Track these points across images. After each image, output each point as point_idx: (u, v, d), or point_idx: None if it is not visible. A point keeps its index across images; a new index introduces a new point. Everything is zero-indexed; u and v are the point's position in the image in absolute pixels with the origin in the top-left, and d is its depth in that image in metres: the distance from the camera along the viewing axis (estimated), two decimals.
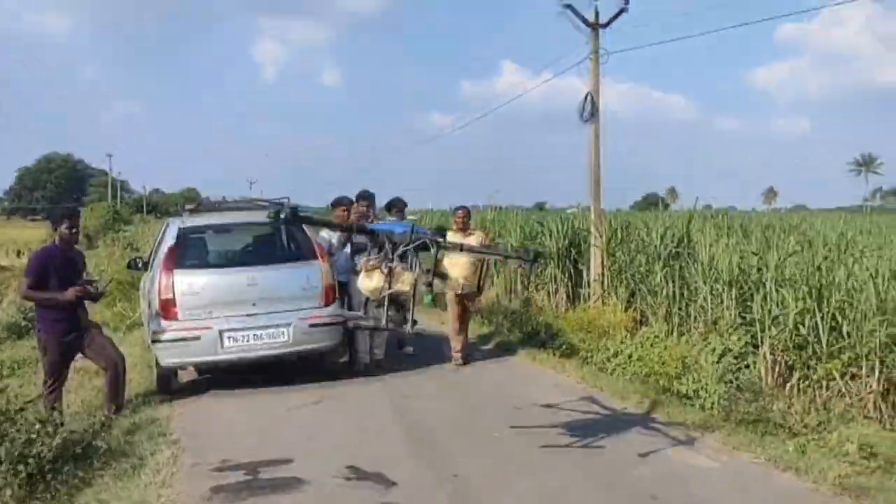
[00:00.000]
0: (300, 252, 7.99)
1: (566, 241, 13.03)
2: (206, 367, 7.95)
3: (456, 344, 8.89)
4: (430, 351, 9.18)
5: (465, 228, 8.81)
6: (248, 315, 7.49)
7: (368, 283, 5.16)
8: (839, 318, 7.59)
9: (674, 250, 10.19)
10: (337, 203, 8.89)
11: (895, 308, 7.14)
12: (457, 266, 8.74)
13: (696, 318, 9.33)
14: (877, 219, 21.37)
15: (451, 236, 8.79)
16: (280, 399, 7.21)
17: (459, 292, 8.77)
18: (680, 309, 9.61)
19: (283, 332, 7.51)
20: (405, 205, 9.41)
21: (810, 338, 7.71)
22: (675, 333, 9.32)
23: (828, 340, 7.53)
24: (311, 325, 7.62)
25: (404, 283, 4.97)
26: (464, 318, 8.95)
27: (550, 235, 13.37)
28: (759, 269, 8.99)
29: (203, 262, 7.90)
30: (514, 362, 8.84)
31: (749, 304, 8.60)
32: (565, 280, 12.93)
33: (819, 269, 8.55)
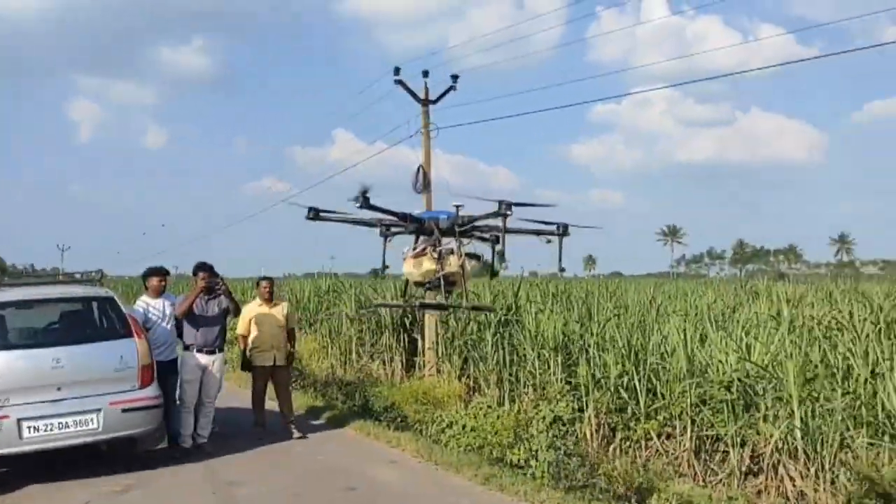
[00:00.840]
0: (113, 328, 7.34)
1: (401, 309, 13.04)
2: (2, 460, 7.02)
3: (259, 417, 8.71)
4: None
5: (270, 299, 8.72)
6: (52, 400, 6.72)
7: (419, 267, 5.24)
8: (654, 380, 8.10)
9: (503, 318, 10.49)
10: (154, 272, 8.29)
11: (703, 369, 7.73)
12: (265, 332, 8.53)
13: (525, 384, 9.58)
14: (682, 285, 23.35)
15: (257, 308, 8.64)
16: (84, 490, 6.47)
17: (269, 364, 8.54)
18: (510, 375, 9.84)
19: (92, 419, 6.80)
20: (212, 270, 8.61)
21: (630, 400, 8.14)
22: (506, 400, 9.52)
23: (645, 402, 7.98)
24: (125, 410, 6.96)
25: (452, 264, 5.14)
26: (280, 393, 8.66)
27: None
28: (581, 336, 9.45)
29: (0, 343, 7.05)
30: (347, 438, 8.56)
31: (574, 368, 8.99)
32: (400, 349, 12.90)
33: (642, 330, 9.11)
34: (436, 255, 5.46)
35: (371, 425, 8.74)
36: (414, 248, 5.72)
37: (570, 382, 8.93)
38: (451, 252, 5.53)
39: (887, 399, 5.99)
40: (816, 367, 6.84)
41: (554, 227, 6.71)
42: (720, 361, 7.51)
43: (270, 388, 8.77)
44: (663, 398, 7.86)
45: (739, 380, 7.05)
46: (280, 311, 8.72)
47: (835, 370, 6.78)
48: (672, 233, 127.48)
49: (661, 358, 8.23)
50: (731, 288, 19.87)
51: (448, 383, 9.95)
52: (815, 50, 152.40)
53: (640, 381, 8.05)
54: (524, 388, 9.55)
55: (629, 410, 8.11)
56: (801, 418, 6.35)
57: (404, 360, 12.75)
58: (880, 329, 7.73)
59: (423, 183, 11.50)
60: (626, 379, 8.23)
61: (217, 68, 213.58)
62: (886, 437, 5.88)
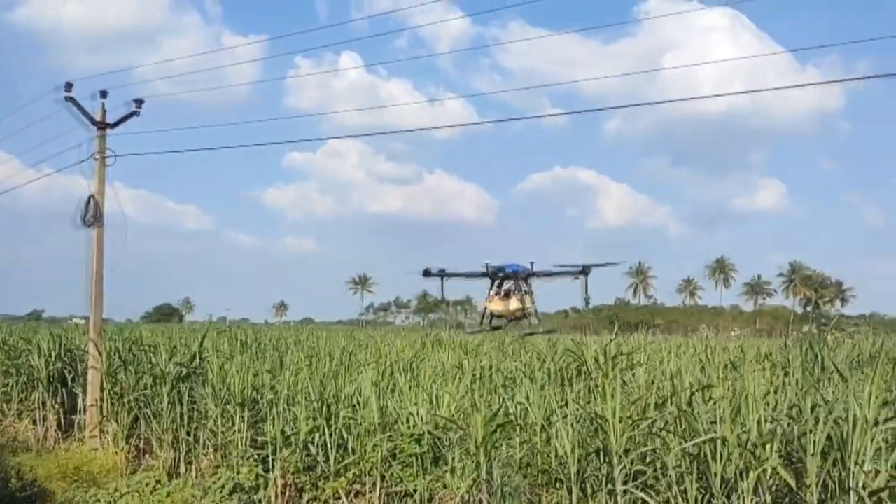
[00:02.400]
0: None
1: (58, 361, 11.29)
2: None
3: None
4: None
5: None
6: None
7: (508, 305, 6.46)
8: (346, 435, 7.77)
9: (184, 370, 9.46)
10: None
11: (394, 421, 7.59)
12: None
13: (206, 444, 8.67)
14: (372, 332, 23.81)
15: None
16: None
17: None
18: (188, 434, 8.85)
19: None
20: None
21: (319, 457, 7.71)
22: (182, 463, 8.51)
23: (335, 458, 7.61)
24: None
25: (528, 304, 6.33)
26: None
27: (39, 353, 11.41)
28: (273, 388, 8.84)
29: None
30: None
31: (262, 425, 8.33)
32: (56, 406, 11.07)
33: (336, 380, 8.75)
34: (519, 297, 6.38)
35: None
36: (496, 292, 6.92)
37: (255, 441, 8.24)
38: (522, 295, 6.86)
39: (560, 445, 6.31)
40: (496, 417, 7.05)
41: (580, 269, 8.67)
42: (411, 414, 7.44)
43: None
44: (354, 453, 7.57)
45: (430, 432, 7.02)
46: None
47: (513, 419, 7.06)
48: (362, 281, 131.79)
49: (353, 410, 7.95)
50: (417, 336, 20.61)
51: (107, 453, 8.60)
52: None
53: (331, 436, 7.68)
54: (204, 448, 8.63)
55: (318, 469, 7.68)
56: (486, 469, 6.45)
57: (61, 419, 10.96)
58: (553, 377, 8.32)
59: (95, 215, 10.15)
60: (317, 435, 7.79)
61: None
62: (559, 483, 6.18)
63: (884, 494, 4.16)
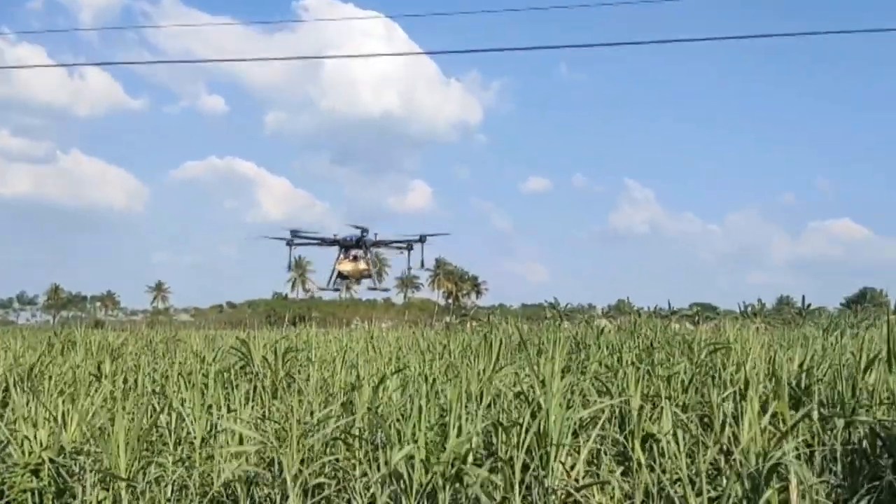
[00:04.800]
0: None
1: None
2: None
3: None
4: None
5: None
6: None
7: (357, 266, 11.11)
8: None
9: None
10: None
11: (3, 448, 5.91)
12: None
13: None
14: None
15: None
16: None
17: None
18: None
19: None
20: None
21: None
22: None
23: None
24: None
25: (372, 267, 11.51)
26: None
27: None
28: None
29: None
30: None
31: None
32: None
33: None
34: (366, 260, 11.12)
35: None
36: (345, 257, 11.53)
37: None
38: (368, 259, 10.31)
39: (224, 460, 5.36)
40: (144, 432, 5.83)
41: (417, 238, 7.82)
42: (27, 438, 5.81)
43: None
44: None
45: (52, 460, 5.51)
46: None
47: (169, 432, 5.92)
48: None
49: None
50: (43, 336, 17.70)
51: None
52: (143, 101, 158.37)
53: None
54: None
55: None
56: (129, 501, 5.22)
57: None
58: (216, 379, 7.25)
59: None
60: None
61: None
62: None
63: (580, 494, 4.04)
